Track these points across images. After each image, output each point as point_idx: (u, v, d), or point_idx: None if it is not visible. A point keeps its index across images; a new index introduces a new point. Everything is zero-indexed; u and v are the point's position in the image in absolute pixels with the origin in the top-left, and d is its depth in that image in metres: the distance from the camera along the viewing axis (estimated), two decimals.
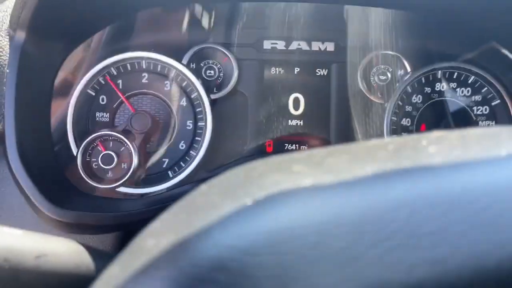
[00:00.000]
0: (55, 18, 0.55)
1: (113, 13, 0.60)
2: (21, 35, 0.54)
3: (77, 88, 0.65)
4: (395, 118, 0.69)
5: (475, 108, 0.70)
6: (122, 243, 0.62)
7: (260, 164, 0.23)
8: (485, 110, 0.70)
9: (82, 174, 0.63)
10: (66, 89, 0.65)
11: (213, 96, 0.68)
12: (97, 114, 0.66)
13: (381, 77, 0.70)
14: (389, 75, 0.70)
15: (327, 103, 0.70)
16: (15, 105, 0.54)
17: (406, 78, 0.68)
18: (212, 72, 0.69)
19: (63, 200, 0.56)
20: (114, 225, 0.59)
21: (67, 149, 0.64)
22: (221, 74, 0.69)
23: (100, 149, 0.64)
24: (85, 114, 0.66)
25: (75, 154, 0.64)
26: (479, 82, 0.69)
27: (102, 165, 0.64)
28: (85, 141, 0.63)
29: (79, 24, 0.58)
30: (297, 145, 0.70)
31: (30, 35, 0.54)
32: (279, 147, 0.70)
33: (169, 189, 0.66)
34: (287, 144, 0.70)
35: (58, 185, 0.59)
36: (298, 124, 0.70)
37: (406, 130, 0.69)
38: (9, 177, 0.57)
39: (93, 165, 0.64)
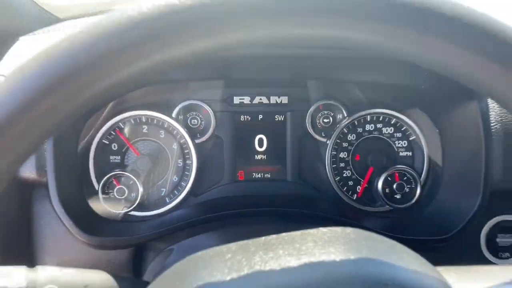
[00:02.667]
0: None
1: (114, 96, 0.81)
2: None
3: (95, 140, 0.87)
4: (335, 152, 0.90)
5: (396, 142, 0.91)
6: (132, 256, 0.85)
7: None
8: (404, 144, 0.91)
9: (103, 204, 0.86)
10: (88, 141, 0.87)
11: (197, 141, 0.89)
12: (111, 157, 0.88)
13: (324, 120, 0.91)
14: (330, 119, 0.91)
15: (284, 142, 0.91)
16: (53, 163, 0.76)
17: (343, 121, 0.89)
18: (196, 121, 0.90)
19: (90, 228, 0.79)
20: (126, 245, 0.83)
21: (91, 186, 0.87)
22: (203, 123, 0.90)
23: (115, 184, 0.87)
24: (102, 158, 0.88)
25: (97, 189, 0.87)
26: (399, 123, 0.90)
27: (117, 196, 0.87)
28: (103, 179, 0.86)
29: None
30: (262, 174, 0.92)
31: None
32: (248, 176, 0.92)
33: (167, 211, 0.88)
34: (254, 174, 0.92)
35: (86, 216, 0.82)
36: (262, 158, 0.92)
37: (343, 161, 0.90)
38: (50, 213, 0.80)
39: (110, 196, 0.87)
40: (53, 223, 0.80)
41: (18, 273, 0.55)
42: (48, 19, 1.06)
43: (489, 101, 0.75)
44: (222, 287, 0.38)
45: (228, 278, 0.39)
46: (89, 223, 0.79)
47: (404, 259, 0.41)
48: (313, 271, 0.39)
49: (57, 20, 1.07)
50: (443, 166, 0.85)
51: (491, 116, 0.75)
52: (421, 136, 0.89)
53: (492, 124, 0.74)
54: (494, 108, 0.75)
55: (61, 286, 0.56)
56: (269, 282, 0.39)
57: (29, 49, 0.87)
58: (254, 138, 0.91)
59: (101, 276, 0.62)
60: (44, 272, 0.57)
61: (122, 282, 0.63)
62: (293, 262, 0.40)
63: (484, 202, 0.74)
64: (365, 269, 0.39)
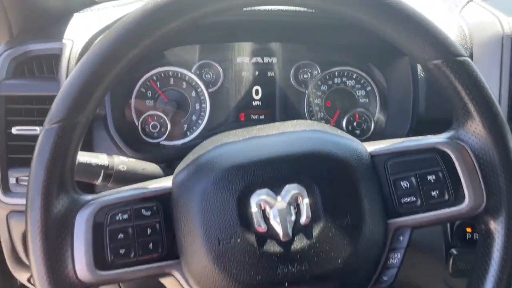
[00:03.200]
0: None
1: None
2: None
3: (135, 89, 1.18)
4: (311, 99, 1.22)
5: (357, 91, 1.22)
6: (165, 169, 1.16)
7: None
8: (363, 93, 1.22)
9: (142, 135, 1.17)
10: (129, 90, 1.18)
11: (210, 90, 1.20)
12: (147, 101, 1.20)
13: (304, 75, 1.22)
14: (308, 74, 1.22)
15: (274, 92, 1.20)
16: (110, 103, 1.07)
17: (317, 76, 1.21)
18: (209, 75, 1.20)
19: (135, 148, 1.11)
20: (160, 161, 1.14)
21: (133, 121, 1.19)
22: (214, 77, 1.21)
23: (149, 121, 1.19)
24: (140, 102, 1.19)
25: (137, 124, 1.18)
26: (359, 77, 1.22)
27: (151, 130, 1.19)
28: (142, 117, 1.18)
29: None
30: (257, 115, 1.23)
31: None
32: (247, 117, 1.22)
33: (187, 142, 1.20)
34: (252, 115, 1.23)
35: (134, 141, 1.14)
36: (258, 104, 1.21)
37: (318, 106, 1.22)
38: (105, 139, 1.11)
39: (146, 129, 1.19)
40: (108, 145, 1.10)
41: (102, 156, 0.87)
42: (88, 1, 1.36)
43: None
44: (233, 145, 0.70)
45: (236, 139, 0.71)
46: (134, 145, 1.11)
47: (342, 133, 0.73)
48: (285, 136, 0.71)
49: (94, 2, 1.37)
50: (388, 106, 1.17)
51: (418, 67, 1.06)
52: (374, 86, 1.21)
53: (418, 73, 1.06)
54: None
55: (128, 166, 0.88)
56: (260, 140, 0.71)
57: (83, 23, 1.17)
58: (252, 88, 1.21)
59: (152, 165, 0.94)
60: (118, 158, 0.89)
61: (165, 170, 0.95)
62: (274, 132, 0.72)
63: (412, 128, 1.06)
64: (314, 133, 0.71)
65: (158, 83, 1.19)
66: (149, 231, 0.66)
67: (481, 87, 0.65)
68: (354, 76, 1.21)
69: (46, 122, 0.63)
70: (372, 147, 0.72)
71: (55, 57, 1.08)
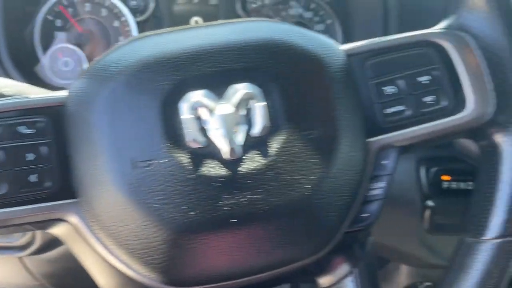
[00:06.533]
0: None
1: None
2: None
3: (39, 17, 0.93)
4: None
5: (315, 25, 1.05)
6: None
7: None
8: (322, 27, 1.05)
9: (48, 76, 0.93)
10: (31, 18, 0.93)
11: (138, 19, 0.97)
12: (55, 32, 0.94)
13: (252, 5, 1.02)
14: (259, 3, 1.03)
15: None
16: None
17: (268, 5, 1.02)
18: (135, 1, 0.98)
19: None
20: None
21: (37, 57, 0.94)
22: (142, 3, 0.97)
23: (59, 56, 0.94)
24: (47, 33, 0.94)
25: (42, 62, 0.93)
26: (317, 8, 1.04)
27: (63, 68, 0.94)
28: (49, 52, 0.93)
29: None
30: None
31: None
32: None
33: None
34: None
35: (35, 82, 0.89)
36: None
37: None
38: None
39: (55, 68, 0.94)
40: None
41: None
42: None
43: None
44: (157, 37, 0.49)
45: (162, 32, 0.50)
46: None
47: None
48: (233, 25, 0.51)
49: None
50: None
51: None
52: (335, 18, 1.03)
53: None
54: None
55: (18, 91, 0.65)
56: (197, 30, 0.50)
57: None
58: (190, 19, 1.00)
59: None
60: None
61: None
62: (217, 24, 0.52)
63: None
64: (273, 24, 0.52)
65: (69, 9, 0.95)
66: (30, 156, 0.44)
67: None
68: (311, 7, 1.03)
69: None
70: (347, 45, 0.54)
71: None
